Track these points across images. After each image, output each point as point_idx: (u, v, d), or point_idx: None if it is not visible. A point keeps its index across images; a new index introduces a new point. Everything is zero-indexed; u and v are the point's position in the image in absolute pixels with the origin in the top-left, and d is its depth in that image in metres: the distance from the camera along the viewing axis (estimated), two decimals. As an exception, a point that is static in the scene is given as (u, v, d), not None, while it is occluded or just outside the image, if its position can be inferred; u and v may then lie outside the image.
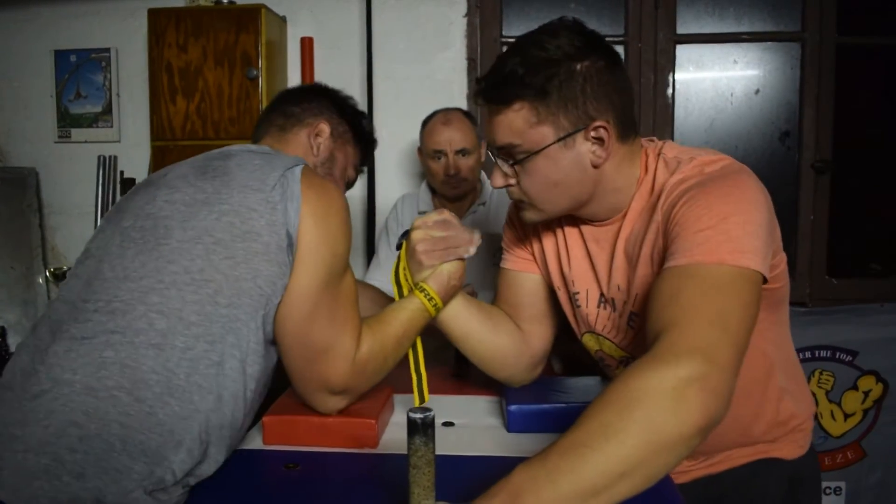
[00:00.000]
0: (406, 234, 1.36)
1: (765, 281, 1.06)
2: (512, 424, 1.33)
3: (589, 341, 1.41)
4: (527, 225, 1.41)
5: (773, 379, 1.31)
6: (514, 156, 1.21)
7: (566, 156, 1.18)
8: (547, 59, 1.15)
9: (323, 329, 1.18)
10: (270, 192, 1.16)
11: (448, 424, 1.37)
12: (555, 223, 1.38)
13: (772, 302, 1.24)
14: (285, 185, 1.17)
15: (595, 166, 1.20)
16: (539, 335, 1.46)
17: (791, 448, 1.35)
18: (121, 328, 1.06)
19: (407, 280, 1.36)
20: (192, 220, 1.15)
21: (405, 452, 0.92)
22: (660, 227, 1.17)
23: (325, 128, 1.46)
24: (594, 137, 1.18)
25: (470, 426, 1.38)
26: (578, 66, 1.15)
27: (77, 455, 0.99)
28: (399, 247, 1.38)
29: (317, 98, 1.52)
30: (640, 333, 1.24)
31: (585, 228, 1.33)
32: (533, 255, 1.45)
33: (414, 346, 1.35)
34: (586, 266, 1.34)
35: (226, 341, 1.09)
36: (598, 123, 1.16)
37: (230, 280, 1.11)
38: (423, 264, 1.33)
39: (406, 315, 1.31)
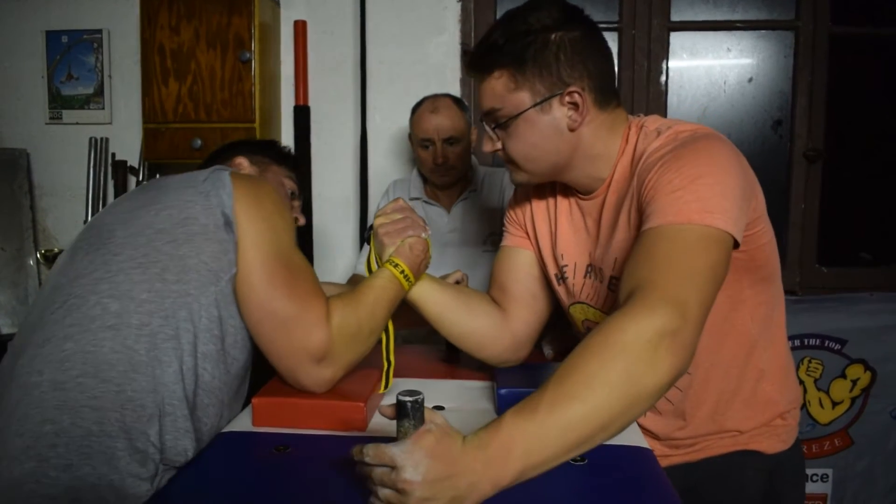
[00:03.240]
0: (372, 228, 1.46)
1: (737, 245, 1.11)
2: (502, 407, 1.34)
3: (576, 312, 1.45)
4: (525, 204, 1.52)
5: (754, 359, 1.33)
6: (496, 120, 1.30)
7: (543, 119, 1.27)
8: (525, 30, 1.25)
9: (286, 300, 1.21)
10: (202, 185, 1.23)
11: (438, 408, 1.38)
12: (549, 201, 1.46)
13: (757, 279, 1.28)
14: (215, 179, 1.24)
15: (571, 130, 1.27)
16: (523, 319, 1.51)
17: (772, 442, 1.37)
18: (77, 320, 1.09)
19: (378, 265, 1.44)
20: (134, 220, 1.20)
21: (394, 435, 0.92)
22: (635, 192, 1.22)
23: (241, 160, 1.56)
24: (569, 102, 1.25)
25: (460, 410, 1.38)
26: (553, 36, 1.24)
27: (59, 449, 1.00)
28: (368, 240, 1.49)
29: (229, 148, 1.64)
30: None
31: (578, 202, 1.40)
32: (527, 233, 1.52)
33: (386, 333, 1.40)
34: (575, 239, 1.41)
35: (179, 316, 1.12)
36: (572, 89, 1.24)
37: (175, 259, 1.15)
38: (386, 243, 1.41)
39: (378, 283, 1.36)
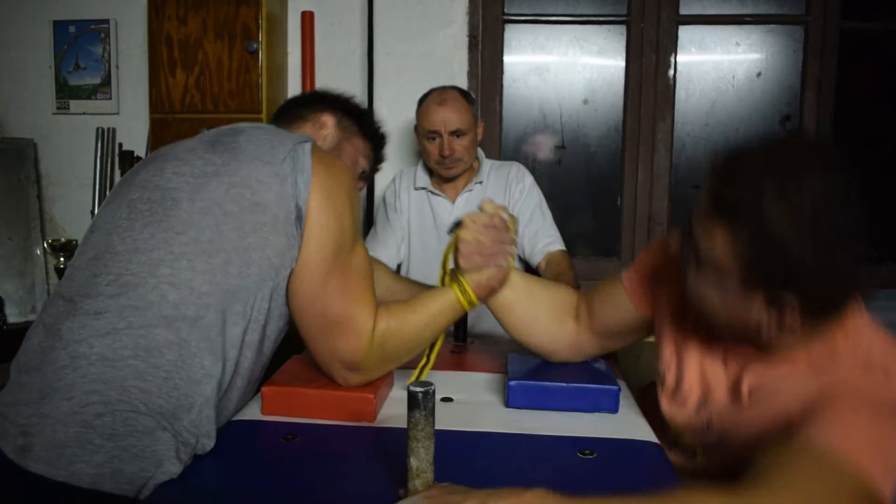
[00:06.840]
0: (458, 224, 1.36)
1: None
2: (512, 399, 1.34)
3: (668, 415, 1.32)
4: (668, 293, 1.31)
5: None
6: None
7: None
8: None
9: (336, 301, 1.19)
10: (280, 165, 1.17)
11: (447, 400, 1.38)
12: (691, 322, 1.27)
13: None
14: (296, 159, 1.18)
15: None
16: (592, 344, 1.45)
17: None
18: (133, 302, 1.08)
19: (447, 268, 1.38)
20: (202, 191, 1.15)
21: (403, 426, 0.92)
22: (806, 403, 1.03)
23: (328, 119, 1.50)
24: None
25: (468, 402, 1.38)
26: None
27: (105, 418, 1.02)
28: (450, 231, 1.41)
29: (317, 100, 1.56)
30: (720, 448, 1.21)
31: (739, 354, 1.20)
32: (652, 307, 1.36)
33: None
34: (712, 378, 1.23)
35: (233, 309, 1.11)
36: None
37: (240, 250, 1.12)
38: (463, 265, 1.33)
39: (437, 306, 1.32)
